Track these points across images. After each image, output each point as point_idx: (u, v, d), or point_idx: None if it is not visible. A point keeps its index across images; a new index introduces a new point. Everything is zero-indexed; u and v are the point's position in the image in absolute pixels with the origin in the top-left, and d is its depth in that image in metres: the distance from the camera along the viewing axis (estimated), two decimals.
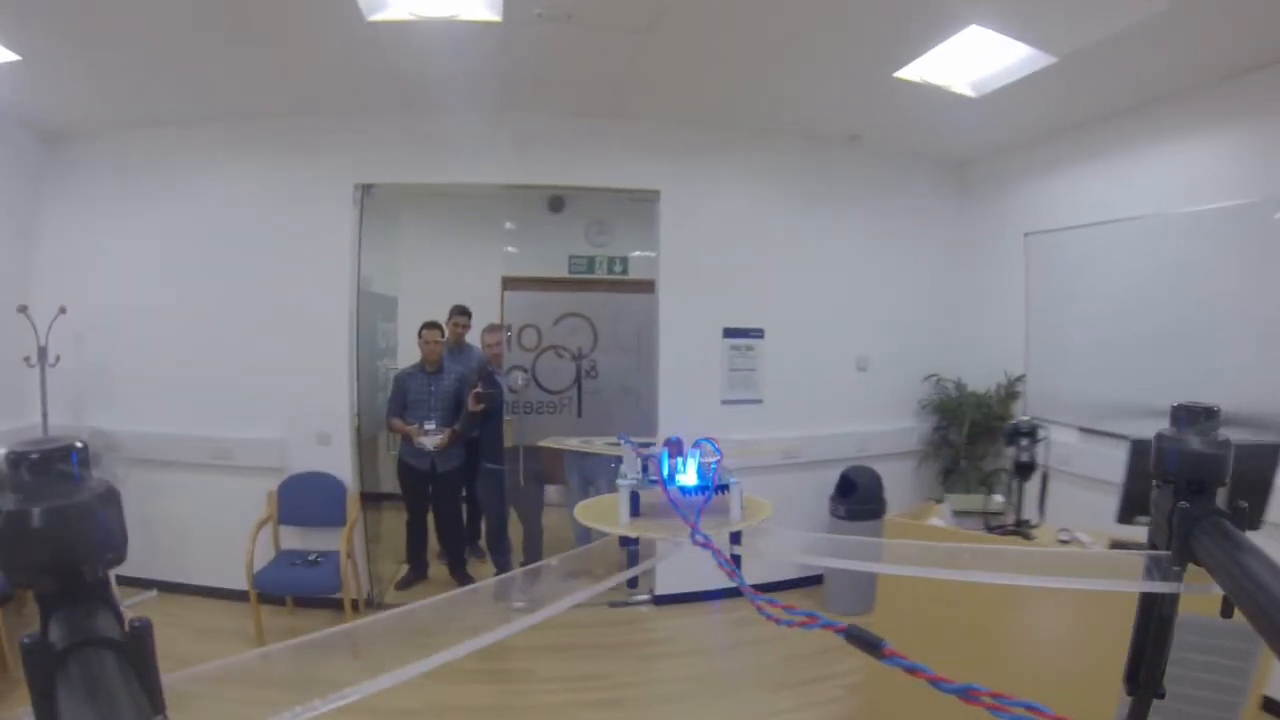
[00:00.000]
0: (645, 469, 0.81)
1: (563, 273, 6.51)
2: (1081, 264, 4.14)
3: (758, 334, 4.54)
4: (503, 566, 4.77)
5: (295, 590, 4.03)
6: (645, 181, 4.43)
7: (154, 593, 4.23)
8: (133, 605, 4.02)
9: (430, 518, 4.69)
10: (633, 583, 0.73)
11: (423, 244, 6.21)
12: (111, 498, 0.44)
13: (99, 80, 3.56)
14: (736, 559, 0.75)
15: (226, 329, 4.21)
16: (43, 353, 3.97)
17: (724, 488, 0.77)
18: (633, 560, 0.75)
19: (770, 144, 4.54)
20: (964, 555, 0.76)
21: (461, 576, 4.74)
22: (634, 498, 0.79)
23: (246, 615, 3.88)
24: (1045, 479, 2.90)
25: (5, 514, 0.40)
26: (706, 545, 0.71)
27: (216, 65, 3.44)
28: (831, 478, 4.45)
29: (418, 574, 4.72)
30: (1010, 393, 4.52)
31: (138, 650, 0.43)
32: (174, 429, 4.21)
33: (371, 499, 4.72)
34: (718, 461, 0.79)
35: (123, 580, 3.96)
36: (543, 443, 4.36)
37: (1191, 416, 0.66)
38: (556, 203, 6.31)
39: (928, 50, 3.24)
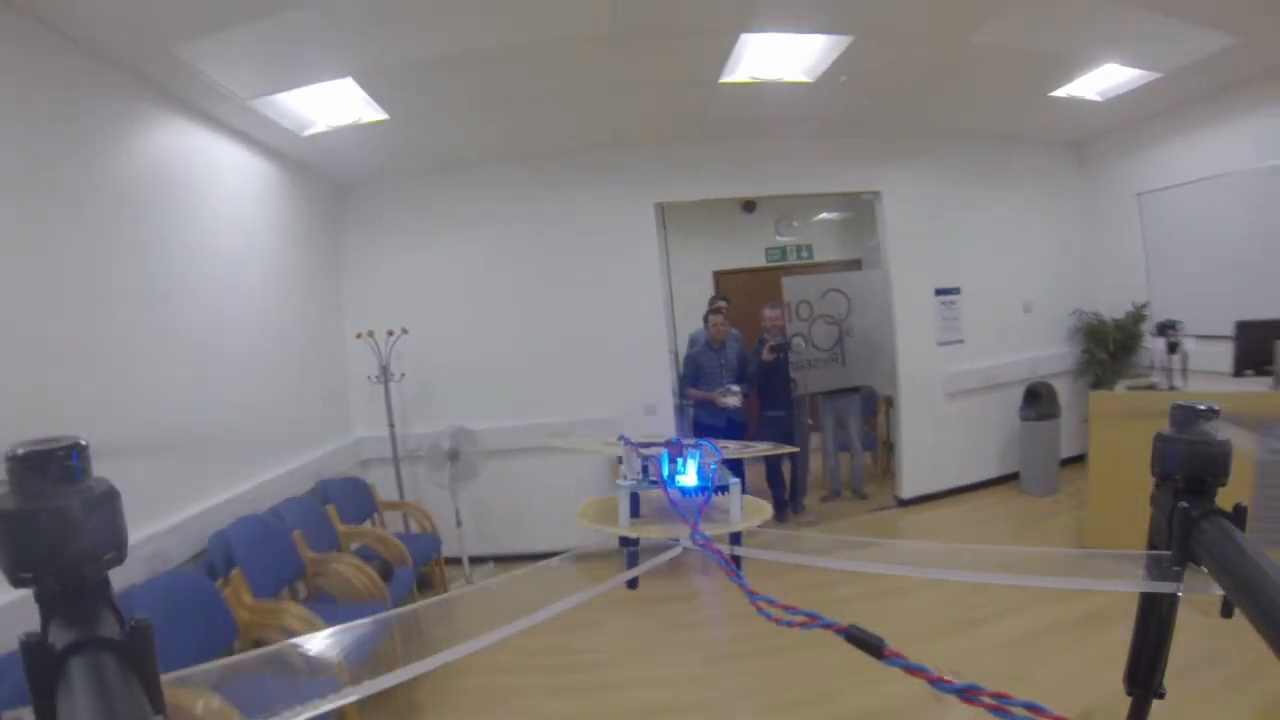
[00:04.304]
0: (645, 470, 0.81)
1: (761, 262, 7.63)
2: (1185, 213, 5.12)
3: (956, 291, 5.69)
4: (778, 499, 5.59)
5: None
6: (870, 184, 5.52)
7: (490, 565, 4.88)
8: (476, 580, 4.55)
9: None
10: (632, 584, 0.73)
11: None
12: (112, 498, 0.43)
13: (439, 130, 4.26)
14: (736, 559, 0.74)
15: (546, 333, 5.02)
16: (385, 371, 4.60)
17: (724, 489, 0.75)
18: (632, 560, 0.75)
19: (946, 146, 5.56)
20: (964, 556, 0.76)
21: None
22: (634, 498, 0.78)
23: (590, 571, 3.84)
24: (1184, 360, 4.58)
25: (6, 514, 0.39)
26: (706, 545, 0.69)
27: (558, 111, 4.16)
28: (1017, 393, 5.64)
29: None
30: (1138, 316, 5.56)
31: (138, 650, 0.42)
32: (513, 422, 4.89)
33: None
34: (717, 462, 0.80)
35: (458, 561, 4.62)
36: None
37: (1191, 416, 0.65)
38: (750, 205, 7.17)
39: (1075, 78, 4.37)
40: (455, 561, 4.65)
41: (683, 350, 5.86)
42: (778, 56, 3.76)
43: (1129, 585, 0.63)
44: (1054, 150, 5.95)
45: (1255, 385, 3.94)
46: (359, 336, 4.59)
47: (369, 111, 3.73)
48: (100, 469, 0.41)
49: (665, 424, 5.12)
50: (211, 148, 3.57)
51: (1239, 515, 0.58)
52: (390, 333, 4.62)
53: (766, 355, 5.29)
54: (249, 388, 3.69)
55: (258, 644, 2.70)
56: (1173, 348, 5.03)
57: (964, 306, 5.73)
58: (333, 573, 3.19)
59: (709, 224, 7.23)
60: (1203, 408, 0.62)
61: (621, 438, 0.80)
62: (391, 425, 4.65)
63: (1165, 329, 5.12)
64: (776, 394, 5.48)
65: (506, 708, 3.12)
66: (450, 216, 5.06)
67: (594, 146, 4.89)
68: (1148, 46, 3.95)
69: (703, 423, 5.36)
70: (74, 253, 2.64)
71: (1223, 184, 4.81)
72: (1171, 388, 4.75)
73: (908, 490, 5.68)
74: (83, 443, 0.43)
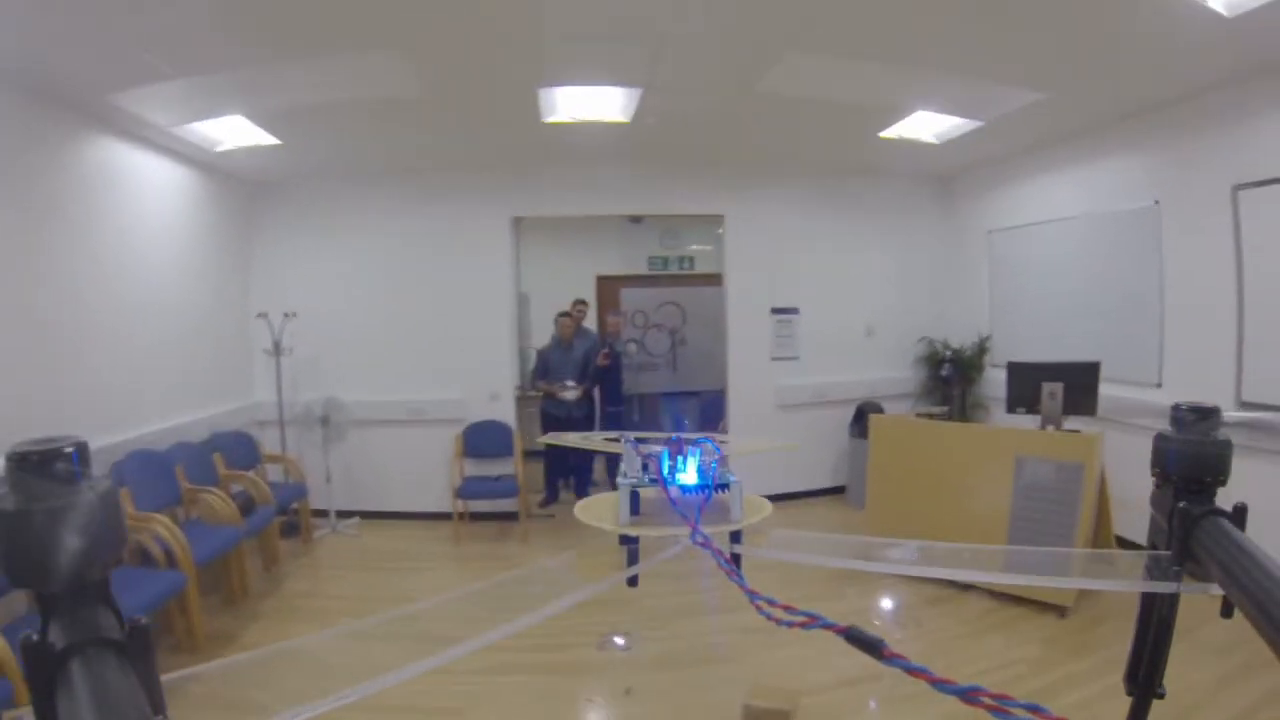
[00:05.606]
0: (646, 468, 0.78)
1: (643, 269, 7.97)
2: (1027, 252, 5.29)
3: (794, 311, 5.90)
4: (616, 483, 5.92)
5: (489, 495, 5.24)
6: (715, 208, 5.79)
7: (355, 519, 5.36)
8: (341, 529, 5.22)
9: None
10: (632, 581, 0.73)
11: (541, 252, 7.44)
12: (111, 498, 0.41)
13: (326, 149, 4.78)
14: (736, 558, 0.69)
15: (413, 322, 5.47)
16: (278, 346, 5.15)
17: (724, 486, 0.72)
18: (633, 558, 0.74)
19: (800, 177, 5.73)
20: (963, 555, 0.75)
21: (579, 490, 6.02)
22: (634, 496, 0.78)
23: (435, 530, 5.22)
24: (963, 392, 5.54)
25: (6, 514, 0.38)
26: (706, 544, 0.65)
27: (420, 136, 4.59)
28: (850, 411, 5.81)
29: (551, 497, 5.88)
30: (983, 348, 5.69)
31: (138, 650, 0.41)
32: (378, 396, 5.45)
33: None
34: (717, 460, 0.79)
35: (326, 514, 5.23)
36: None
37: (1190, 417, 0.61)
38: (636, 218, 7.55)
39: (895, 122, 4.46)
40: (324, 514, 5.23)
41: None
42: (591, 101, 4.06)
43: (1129, 585, 0.63)
44: (919, 183, 6.03)
45: (1024, 421, 4.08)
46: (259, 316, 5.12)
47: (265, 137, 4.31)
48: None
49: (506, 410, 5.56)
50: (137, 160, 4.11)
51: (1239, 515, 0.58)
52: (285, 315, 5.14)
53: (601, 361, 5.72)
54: (159, 353, 4.30)
55: (136, 544, 3.36)
56: (948, 381, 5.66)
57: (802, 326, 5.88)
58: (204, 502, 3.97)
59: (596, 233, 7.61)
60: (1202, 408, 0.62)
61: (622, 436, 0.79)
62: (279, 391, 5.18)
63: (942, 363, 5.70)
64: (614, 393, 5.94)
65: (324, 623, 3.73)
66: (338, 218, 5.48)
67: (457, 166, 5.32)
68: (954, 100, 4.07)
69: (549, 412, 5.76)
70: (13, 251, 3.22)
71: (1057, 228, 4.94)
72: (950, 418, 5.29)
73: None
74: (83, 443, 0.43)
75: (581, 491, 6.11)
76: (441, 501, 5.27)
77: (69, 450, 0.41)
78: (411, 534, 5.24)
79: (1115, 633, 3.15)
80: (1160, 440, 0.62)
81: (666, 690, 2.96)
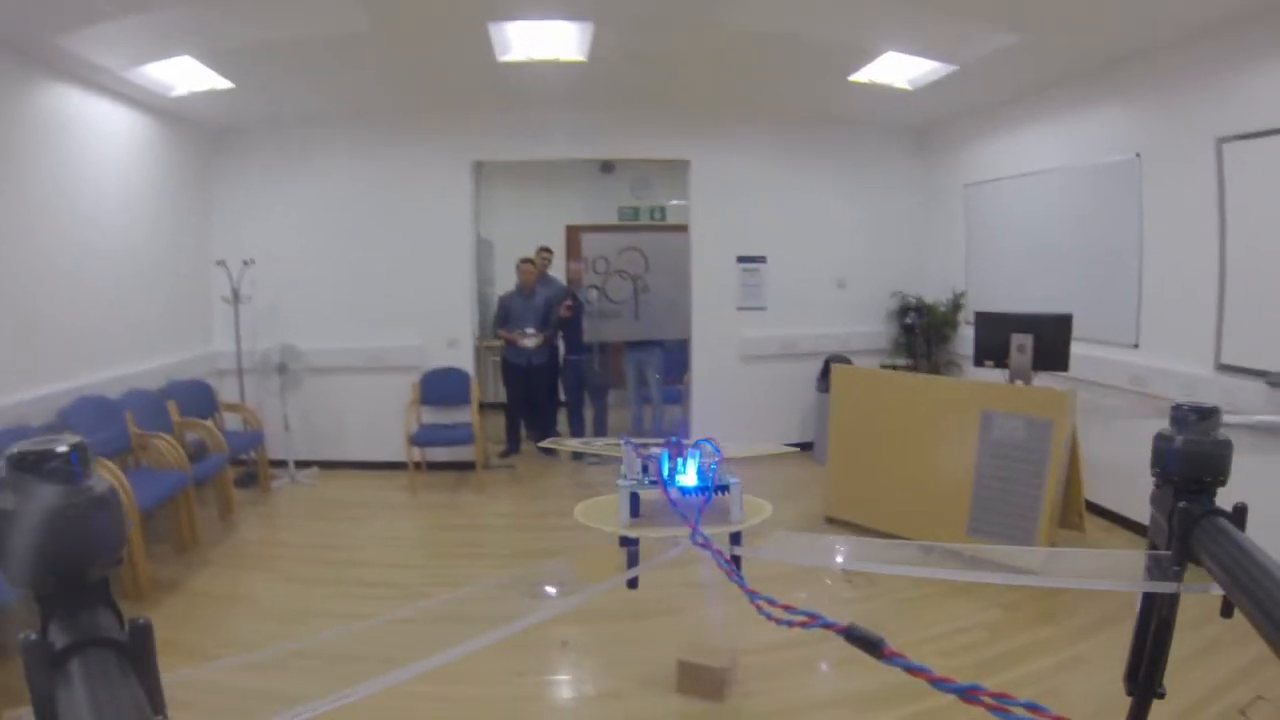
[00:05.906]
0: (645, 470, 0.75)
1: (613, 220, 7.77)
2: (1004, 207, 5.11)
3: (761, 260, 5.74)
4: (578, 434, 5.85)
5: (444, 443, 5.18)
6: (680, 153, 5.62)
7: (314, 469, 5.30)
8: (300, 479, 5.15)
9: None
10: (632, 583, 0.73)
11: (509, 199, 7.39)
12: (111, 498, 0.41)
13: (281, 93, 4.68)
14: (736, 559, 0.68)
15: (373, 268, 5.36)
16: (236, 294, 5.05)
17: (724, 488, 0.72)
18: (633, 560, 0.74)
19: (769, 123, 5.55)
20: (964, 554, 0.75)
21: (546, 449, 5.86)
22: (634, 498, 0.73)
23: (393, 480, 5.14)
24: (929, 344, 5.39)
25: (5, 514, 0.38)
26: (706, 545, 0.65)
27: (375, 77, 4.49)
28: (818, 364, 5.58)
29: (512, 448, 5.81)
30: (957, 304, 5.53)
31: (138, 650, 0.40)
32: (336, 344, 5.34)
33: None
34: (718, 462, 0.75)
35: (285, 464, 5.15)
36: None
37: (1191, 416, 0.61)
38: (608, 166, 7.50)
39: (864, 65, 4.30)
40: (283, 464, 5.17)
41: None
42: (546, 38, 3.95)
43: (1129, 585, 0.63)
44: (893, 134, 5.83)
45: (993, 375, 3.86)
46: (218, 264, 5.06)
47: (218, 80, 4.24)
48: None
49: (465, 357, 5.48)
50: (90, 107, 4.06)
51: (1239, 515, 0.58)
52: (244, 262, 5.07)
53: (563, 312, 5.59)
54: (114, 302, 4.28)
55: None
56: (912, 330, 5.59)
57: (770, 275, 5.71)
58: (154, 448, 4.00)
59: (566, 182, 7.54)
60: (1202, 407, 0.62)
61: (622, 439, 0.79)
62: (238, 340, 5.10)
63: (905, 313, 5.62)
64: (575, 341, 5.83)
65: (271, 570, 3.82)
66: (297, 164, 5.36)
67: (415, 110, 5.21)
68: (926, 40, 3.88)
69: (509, 360, 5.73)
70: None
71: (1035, 181, 4.77)
72: (915, 370, 5.28)
73: None
74: (82, 443, 0.43)
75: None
76: (399, 450, 5.18)
77: (67, 450, 0.40)
78: (369, 483, 5.20)
79: (1080, 600, 3.06)
80: (1160, 440, 0.62)
81: (603, 643, 2.93)
